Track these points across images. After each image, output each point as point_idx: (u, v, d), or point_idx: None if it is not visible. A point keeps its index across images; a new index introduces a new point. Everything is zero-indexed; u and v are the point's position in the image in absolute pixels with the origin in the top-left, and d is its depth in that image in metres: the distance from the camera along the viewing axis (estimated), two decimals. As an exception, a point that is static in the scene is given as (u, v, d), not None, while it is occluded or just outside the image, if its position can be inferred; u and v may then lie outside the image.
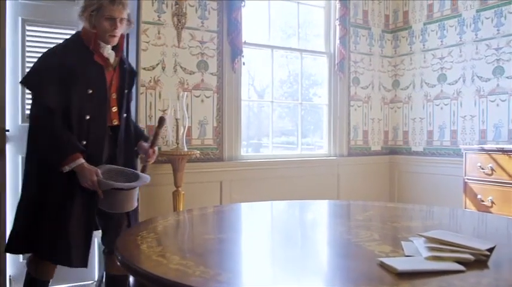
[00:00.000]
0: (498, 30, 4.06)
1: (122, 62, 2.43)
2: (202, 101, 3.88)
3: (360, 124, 4.82)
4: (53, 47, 2.32)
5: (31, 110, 2.22)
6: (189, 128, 3.77)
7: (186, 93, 3.67)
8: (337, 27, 4.53)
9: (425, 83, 4.67)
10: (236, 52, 3.96)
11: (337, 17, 4.52)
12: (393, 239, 1.40)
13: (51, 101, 2.14)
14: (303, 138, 4.65)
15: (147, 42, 3.55)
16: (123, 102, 2.43)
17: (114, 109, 2.38)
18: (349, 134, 4.73)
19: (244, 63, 4.04)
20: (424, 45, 4.69)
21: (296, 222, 1.64)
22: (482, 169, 3.59)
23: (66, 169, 2.11)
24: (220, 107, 3.96)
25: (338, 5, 4.50)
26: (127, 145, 2.45)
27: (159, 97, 3.65)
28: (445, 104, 4.49)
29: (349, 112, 4.74)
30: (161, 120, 2.50)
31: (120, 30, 2.32)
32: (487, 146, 3.71)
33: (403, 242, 1.29)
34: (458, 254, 1.15)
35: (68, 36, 2.43)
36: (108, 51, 2.31)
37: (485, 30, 4.15)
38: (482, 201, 3.59)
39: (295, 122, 4.62)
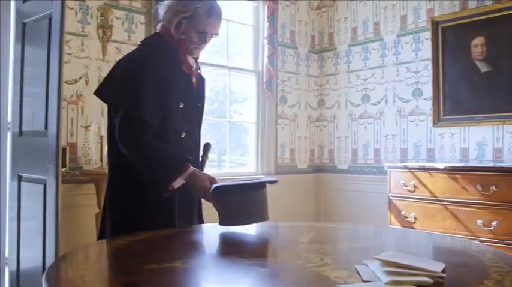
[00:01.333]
0: (416, 54, 4.28)
1: (198, 70, 2.15)
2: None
3: (287, 142, 4.85)
4: (137, 52, 1.95)
5: (122, 129, 1.78)
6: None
7: (111, 109, 3.47)
8: (266, 46, 4.56)
9: (350, 102, 4.81)
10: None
11: (265, 36, 4.55)
12: (345, 262, 1.37)
13: (149, 117, 1.78)
14: (223, 156, 4.58)
15: (69, 54, 3.33)
16: (203, 114, 2.13)
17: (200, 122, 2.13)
18: (276, 152, 4.74)
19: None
20: (348, 66, 4.84)
21: (236, 248, 1.56)
22: (406, 186, 3.73)
23: (178, 183, 1.78)
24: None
25: (266, 24, 4.53)
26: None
27: (82, 113, 3.43)
28: (369, 124, 4.64)
29: (277, 130, 4.75)
30: (207, 147, 2.13)
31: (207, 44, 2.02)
32: (410, 164, 3.87)
33: (357, 267, 1.25)
34: (417, 278, 1.14)
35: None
36: (191, 59, 2.02)
37: (405, 54, 4.37)
38: (406, 217, 3.72)
39: (217, 140, 4.55)
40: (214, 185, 1.79)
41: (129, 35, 3.68)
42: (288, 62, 4.87)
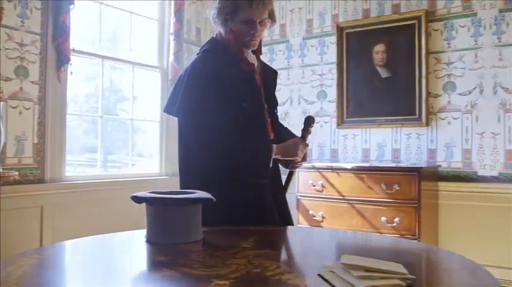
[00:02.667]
0: (322, 58, 4.41)
1: (263, 65, 2.07)
2: (20, 113, 3.31)
3: (192, 142, 4.71)
4: (197, 61, 1.90)
5: (197, 143, 1.80)
6: (3, 145, 3.16)
7: (1, 103, 3.07)
8: (172, 42, 4.37)
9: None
10: (63, 59, 3.49)
11: (171, 32, 4.37)
12: (304, 268, 1.31)
13: (220, 119, 1.75)
14: (109, 155, 4.30)
15: (-50, 39, 2.88)
16: (273, 112, 2.04)
17: (269, 121, 2.00)
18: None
19: (71, 73, 3.58)
20: (254, 66, 4.83)
21: (179, 259, 1.42)
22: (314, 185, 3.81)
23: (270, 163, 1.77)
24: (42, 120, 3.44)
25: (173, 20, 4.35)
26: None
27: (-35, 107, 2.98)
28: (274, 124, 4.67)
29: (182, 130, 4.59)
30: (310, 120, 1.98)
31: (262, 33, 1.91)
32: (317, 164, 3.96)
33: (322, 273, 1.20)
34: (391, 281, 1.11)
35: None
36: (251, 56, 1.95)
37: (310, 57, 4.47)
38: (314, 216, 3.80)
39: (103, 139, 4.27)
40: (141, 195, 1.63)
41: (22, 21, 3.29)
42: (194, 60, 4.73)
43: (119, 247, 1.67)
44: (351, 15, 4.25)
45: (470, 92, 3.75)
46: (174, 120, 4.48)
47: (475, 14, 3.74)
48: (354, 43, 4.21)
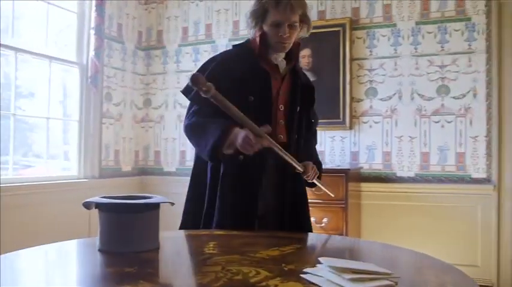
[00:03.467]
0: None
1: (294, 72, 2.05)
2: None
3: (112, 143, 4.48)
4: (217, 54, 2.07)
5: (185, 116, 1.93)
6: None
7: None
8: (92, 37, 4.12)
9: (179, 103, 4.70)
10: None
11: (92, 26, 4.12)
12: (286, 272, 1.28)
13: (203, 101, 1.74)
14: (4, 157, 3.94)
15: None
16: (294, 118, 1.99)
17: (281, 122, 1.97)
18: (100, 154, 4.34)
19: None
20: (178, 66, 4.72)
21: (147, 269, 1.32)
22: (243, 188, 3.79)
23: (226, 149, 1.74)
24: None
25: (94, 14, 4.11)
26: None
27: None
28: (199, 126, 4.59)
29: (101, 130, 4.35)
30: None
31: (292, 36, 1.90)
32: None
33: (309, 277, 1.18)
34: (381, 282, 1.12)
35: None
36: (278, 59, 1.96)
37: (236, 59, 4.45)
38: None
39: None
40: (92, 201, 1.50)
41: None
42: (115, 57, 4.51)
43: (70, 259, 1.52)
44: (278, 19, 4.31)
45: (390, 98, 3.97)
46: (94, 121, 4.26)
47: (394, 25, 3.97)
48: (281, 47, 4.26)
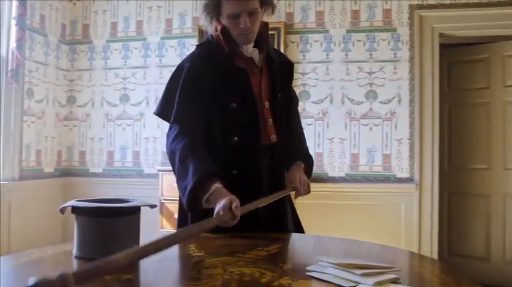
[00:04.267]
0: (181, 59, 4.34)
1: (268, 58, 1.85)
2: None
3: (33, 143, 4.18)
4: (183, 60, 1.85)
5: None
6: None
7: None
8: (14, 28, 3.82)
9: (107, 101, 4.50)
10: None
11: (14, 16, 3.81)
12: (289, 272, 1.29)
13: (183, 120, 1.67)
14: None
15: None
16: (281, 110, 1.86)
17: (270, 122, 1.82)
18: (21, 154, 4.03)
19: None
20: (106, 63, 4.52)
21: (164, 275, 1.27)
22: (180, 189, 3.73)
23: (205, 204, 1.54)
24: None
25: (16, 2, 3.81)
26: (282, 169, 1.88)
27: None
28: (128, 125, 4.45)
29: (22, 128, 4.04)
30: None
31: (254, 25, 1.71)
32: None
33: (317, 275, 1.21)
34: (389, 276, 1.18)
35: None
36: (249, 50, 1.78)
37: (169, 57, 4.38)
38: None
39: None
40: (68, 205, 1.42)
41: None
42: (37, 50, 4.21)
43: (48, 268, 1.41)
44: (213, 19, 4.30)
45: (322, 101, 4.13)
46: (15, 118, 3.93)
47: (327, 31, 4.14)
48: (216, 47, 4.26)
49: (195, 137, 1.66)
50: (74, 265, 1.38)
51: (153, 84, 4.41)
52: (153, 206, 1.53)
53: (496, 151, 4.25)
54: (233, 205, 1.46)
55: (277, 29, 4.16)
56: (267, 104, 1.82)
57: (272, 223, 1.86)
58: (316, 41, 4.16)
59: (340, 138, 4.10)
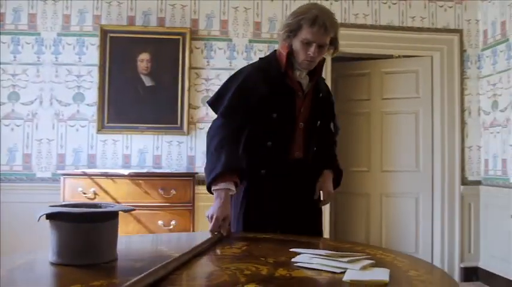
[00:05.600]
0: (80, 58, 4.18)
1: (316, 89, 2.09)
2: None
3: None
4: (245, 66, 2.13)
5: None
6: None
7: None
8: None
9: (-8, 99, 4.12)
10: None
11: None
12: (278, 265, 1.41)
13: (228, 116, 1.94)
14: None
15: None
16: (313, 135, 2.10)
17: (299, 139, 2.06)
18: None
19: None
20: None
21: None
22: (85, 193, 3.60)
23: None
24: None
25: None
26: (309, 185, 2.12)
27: None
28: (18, 125, 4.13)
29: None
30: None
31: (319, 56, 1.96)
32: (90, 171, 3.75)
33: (306, 266, 1.36)
34: (367, 261, 1.37)
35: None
36: (301, 76, 2.02)
37: (66, 55, 4.17)
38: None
39: None
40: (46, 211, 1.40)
41: None
42: None
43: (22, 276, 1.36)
44: (115, 19, 4.21)
45: (225, 107, 4.29)
46: None
47: (230, 40, 4.32)
48: (118, 48, 4.17)
49: (235, 133, 1.93)
50: (51, 272, 1.35)
51: (48, 82, 4.16)
52: (130, 210, 1.55)
53: (375, 155, 4.83)
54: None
55: (183, 35, 4.22)
56: (301, 125, 2.06)
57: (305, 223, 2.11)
58: (220, 49, 4.31)
59: (242, 143, 4.30)
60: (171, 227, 3.64)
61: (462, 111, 4.56)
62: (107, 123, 4.16)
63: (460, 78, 4.56)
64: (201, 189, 3.97)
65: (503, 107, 4.24)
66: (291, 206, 2.06)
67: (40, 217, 1.39)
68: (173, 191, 3.66)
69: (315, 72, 2.06)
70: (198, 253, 1.51)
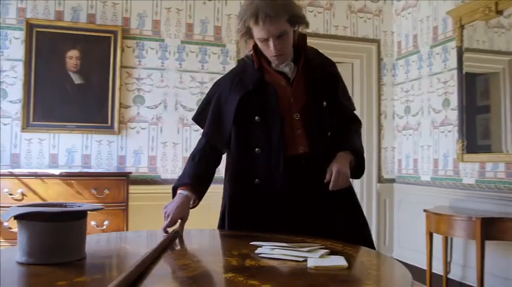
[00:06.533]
0: (2, 52, 3.98)
1: (307, 69, 1.87)
2: None
3: None
4: (224, 75, 2.05)
5: None
6: None
7: None
8: None
9: None
10: None
11: None
12: (245, 257, 1.50)
13: (206, 133, 1.95)
14: None
15: None
16: (319, 121, 1.85)
17: (299, 132, 1.85)
18: None
19: None
20: None
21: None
22: (11, 195, 3.46)
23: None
24: None
25: None
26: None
27: None
28: None
29: None
30: None
31: (285, 46, 1.77)
32: (17, 171, 3.59)
33: (271, 256, 1.47)
34: (322, 251, 1.52)
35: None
36: (283, 67, 1.85)
37: (-13, 49, 3.96)
38: (10, 228, 3.44)
39: None
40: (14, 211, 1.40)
41: None
42: None
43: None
44: (42, 14, 4.06)
45: (156, 106, 4.31)
46: None
47: (162, 40, 4.34)
48: (46, 44, 4.02)
49: (200, 150, 1.95)
50: (25, 272, 1.35)
51: (-35, 77, 3.92)
52: (99, 209, 1.58)
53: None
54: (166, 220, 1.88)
55: (114, 33, 4.18)
56: (296, 115, 1.85)
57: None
58: (152, 49, 4.32)
59: (173, 143, 4.34)
60: (104, 227, 3.60)
61: (379, 115, 4.95)
62: (33, 121, 4.00)
63: (378, 84, 4.95)
64: (135, 188, 4.03)
65: (415, 112, 4.68)
66: (302, 208, 1.86)
67: (10, 218, 1.38)
68: (106, 191, 3.62)
69: (300, 54, 1.88)
70: (163, 249, 1.58)
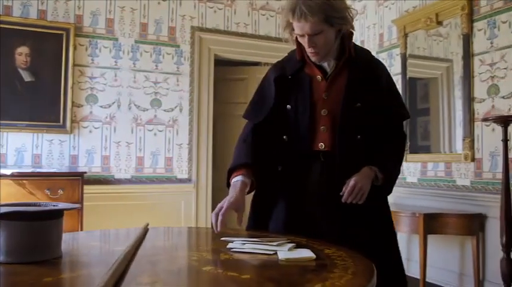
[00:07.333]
0: None
1: (350, 66, 1.83)
2: None
3: None
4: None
5: None
6: None
7: None
8: None
9: None
10: None
11: None
12: (216, 252, 1.59)
13: (247, 110, 1.97)
14: None
15: None
16: (347, 121, 1.80)
17: (324, 129, 1.82)
18: None
19: None
20: None
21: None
22: (-42, 195, 3.35)
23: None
24: None
25: None
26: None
27: None
28: None
29: None
30: None
31: (322, 43, 1.75)
32: (-35, 171, 3.47)
33: (242, 250, 1.57)
34: (289, 244, 1.63)
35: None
36: (323, 62, 1.84)
37: None
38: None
39: None
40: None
41: None
42: None
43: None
44: (-10, 9, 3.94)
45: (110, 106, 4.29)
46: None
47: (116, 39, 4.32)
48: (-6, 40, 3.92)
49: (250, 132, 1.91)
50: (4, 271, 1.37)
51: None
52: (76, 208, 1.62)
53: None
54: (220, 211, 1.72)
55: (66, 30, 4.12)
56: (324, 111, 1.82)
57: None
58: (106, 47, 4.29)
59: (127, 142, 4.34)
60: (58, 227, 3.55)
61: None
62: (-18, 120, 3.88)
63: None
64: (89, 188, 3.99)
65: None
66: (318, 208, 1.83)
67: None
68: (60, 191, 3.58)
69: (344, 50, 1.84)
70: (137, 246, 1.64)
